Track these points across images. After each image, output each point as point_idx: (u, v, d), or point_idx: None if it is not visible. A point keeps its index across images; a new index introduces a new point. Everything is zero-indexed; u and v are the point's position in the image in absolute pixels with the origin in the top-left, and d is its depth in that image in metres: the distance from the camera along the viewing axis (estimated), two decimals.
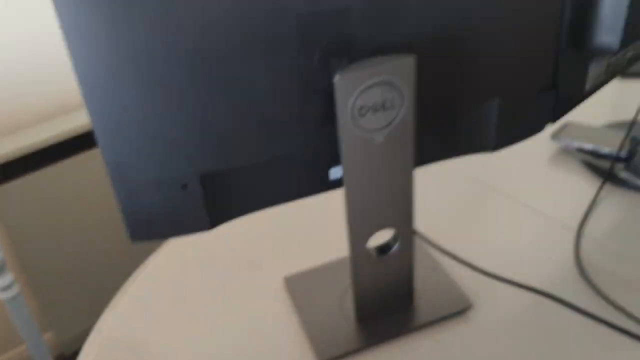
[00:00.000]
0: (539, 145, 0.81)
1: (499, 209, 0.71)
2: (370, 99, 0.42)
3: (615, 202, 0.70)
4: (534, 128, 0.57)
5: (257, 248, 0.68)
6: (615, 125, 0.83)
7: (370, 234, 0.50)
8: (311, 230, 0.70)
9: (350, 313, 0.57)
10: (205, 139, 0.43)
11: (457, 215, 0.70)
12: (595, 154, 0.75)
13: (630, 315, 0.55)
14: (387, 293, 0.55)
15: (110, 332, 0.59)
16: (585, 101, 0.63)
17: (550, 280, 0.60)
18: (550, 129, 0.82)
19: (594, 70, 0.63)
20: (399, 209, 0.50)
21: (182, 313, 0.60)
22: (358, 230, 0.50)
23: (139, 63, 0.39)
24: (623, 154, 0.73)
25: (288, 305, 0.60)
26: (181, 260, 0.68)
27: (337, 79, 0.40)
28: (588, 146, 0.75)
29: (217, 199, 0.48)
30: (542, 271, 0.61)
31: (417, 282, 0.59)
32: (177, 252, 0.69)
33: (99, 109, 0.40)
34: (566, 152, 0.79)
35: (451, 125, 0.52)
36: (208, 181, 0.46)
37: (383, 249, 0.53)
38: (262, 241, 0.69)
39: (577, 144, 0.76)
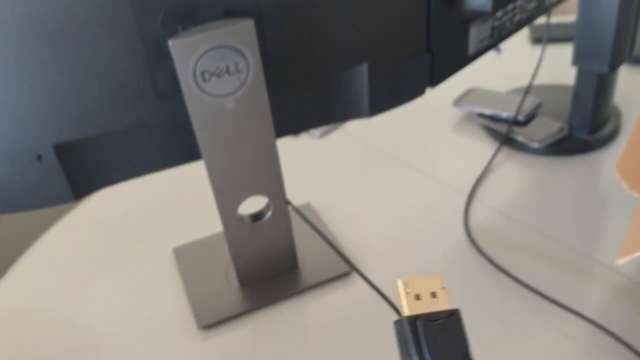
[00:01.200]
0: (441, 112, 0.82)
1: (393, 175, 0.71)
2: (212, 63, 0.42)
3: (511, 165, 0.71)
4: (411, 93, 0.58)
5: (148, 219, 0.68)
6: (519, 91, 0.84)
7: (238, 201, 0.50)
8: (206, 200, 0.70)
9: (235, 280, 0.57)
10: (52, 108, 0.43)
11: (351, 182, 0.71)
12: (495, 118, 0.76)
13: (508, 274, 0.56)
14: (268, 259, 0.56)
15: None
16: (471, 65, 0.63)
17: (437, 241, 0.61)
18: (454, 95, 0.82)
19: (477, 33, 0.64)
20: (265, 176, 0.50)
21: (72, 283, 0.60)
22: (225, 198, 0.50)
23: None
24: (521, 118, 0.74)
25: (175, 276, 0.60)
26: (72, 233, 0.68)
27: (171, 43, 0.40)
28: (488, 111, 0.76)
29: (78, 169, 0.47)
30: (429, 233, 0.62)
31: (301, 247, 0.60)
32: (70, 224, 0.69)
33: None
34: (468, 118, 0.80)
35: (318, 91, 0.52)
36: (65, 151, 0.46)
37: (257, 216, 0.53)
38: (154, 212, 0.69)
39: (477, 109, 0.77)
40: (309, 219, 0.64)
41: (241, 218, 0.52)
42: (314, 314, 0.55)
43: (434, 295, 0.26)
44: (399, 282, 0.27)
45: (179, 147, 0.50)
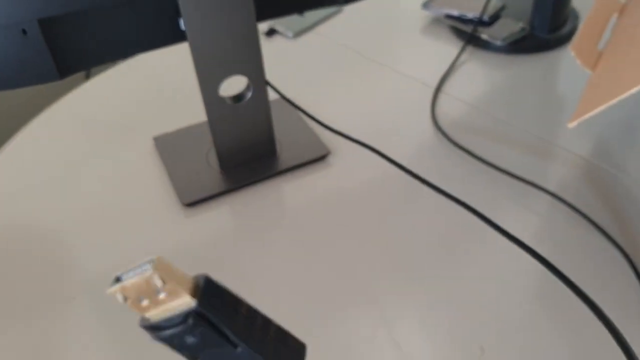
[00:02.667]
0: (411, 14, 0.85)
1: (365, 73, 0.74)
2: None
3: (475, 62, 0.74)
4: None
5: (128, 111, 0.70)
6: None
7: (219, 80, 0.53)
8: (186, 92, 0.72)
9: (216, 164, 0.60)
10: None
11: (325, 79, 0.74)
12: (462, 19, 0.79)
13: (472, 154, 0.60)
14: (248, 141, 0.59)
15: None
16: None
17: (407, 130, 0.65)
18: None
19: None
20: (245, 55, 0.52)
21: (54, 176, 0.62)
22: (206, 76, 0.52)
23: None
24: (486, 18, 0.77)
25: (157, 162, 0.62)
26: (52, 127, 0.69)
27: None
28: (455, 12, 0.79)
29: (63, 46, 0.49)
30: (399, 123, 0.66)
31: (279, 134, 0.63)
32: (49, 118, 0.70)
33: None
34: (437, 20, 0.83)
35: None
36: (49, 26, 0.47)
37: (238, 98, 0.56)
38: (133, 104, 0.71)
39: (445, 10, 0.80)
40: (284, 111, 0.67)
41: (222, 99, 0.54)
42: (292, 194, 0.58)
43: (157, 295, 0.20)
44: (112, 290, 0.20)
45: (163, 26, 0.51)
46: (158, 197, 0.59)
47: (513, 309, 0.47)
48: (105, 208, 0.58)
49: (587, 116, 0.46)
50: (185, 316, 0.19)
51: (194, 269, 0.52)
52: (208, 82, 0.52)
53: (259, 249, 0.53)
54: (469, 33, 0.77)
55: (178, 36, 0.53)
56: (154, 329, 0.20)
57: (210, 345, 0.20)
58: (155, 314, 0.20)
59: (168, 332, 0.20)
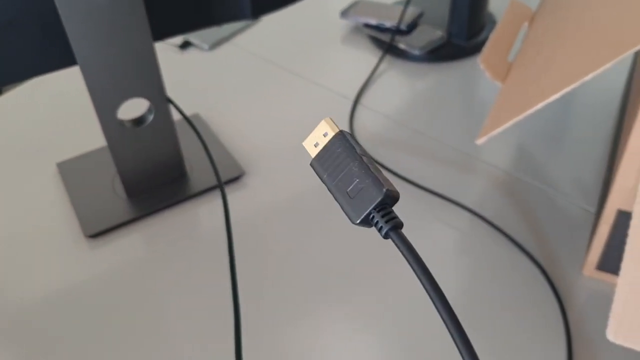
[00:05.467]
0: (330, 24, 0.83)
1: (283, 85, 0.72)
2: None
3: (394, 72, 0.73)
4: None
5: (29, 135, 0.66)
6: (403, 2, 0.86)
7: (116, 104, 0.49)
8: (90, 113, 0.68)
9: (122, 191, 0.57)
10: None
11: (241, 92, 0.71)
12: (380, 28, 0.78)
13: (392, 172, 0.59)
14: (154, 166, 0.56)
15: None
16: None
17: None
18: (342, 7, 0.83)
19: None
20: (143, 78, 0.49)
21: None
22: (102, 101, 0.49)
23: None
24: (404, 27, 0.77)
25: (61, 190, 0.59)
26: None
27: None
28: (373, 21, 0.78)
29: None
30: None
31: (190, 155, 0.60)
32: None
33: None
34: (356, 29, 0.81)
35: None
36: None
37: (139, 121, 0.53)
38: (35, 128, 0.67)
39: (363, 19, 0.79)
40: (198, 128, 0.64)
41: (121, 123, 0.51)
42: (205, 218, 0.56)
43: (325, 135, 0.29)
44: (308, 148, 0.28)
45: (53, 50, 0.48)
46: (61, 228, 0.55)
47: (430, 334, 0.45)
48: (4, 241, 0.54)
49: (495, 132, 0.45)
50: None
51: (101, 304, 0.48)
52: (104, 107, 0.49)
53: (172, 277, 0.50)
54: (387, 43, 0.76)
55: (73, 58, 0.49)
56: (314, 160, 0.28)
57: (344, 164, 0.26)
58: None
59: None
